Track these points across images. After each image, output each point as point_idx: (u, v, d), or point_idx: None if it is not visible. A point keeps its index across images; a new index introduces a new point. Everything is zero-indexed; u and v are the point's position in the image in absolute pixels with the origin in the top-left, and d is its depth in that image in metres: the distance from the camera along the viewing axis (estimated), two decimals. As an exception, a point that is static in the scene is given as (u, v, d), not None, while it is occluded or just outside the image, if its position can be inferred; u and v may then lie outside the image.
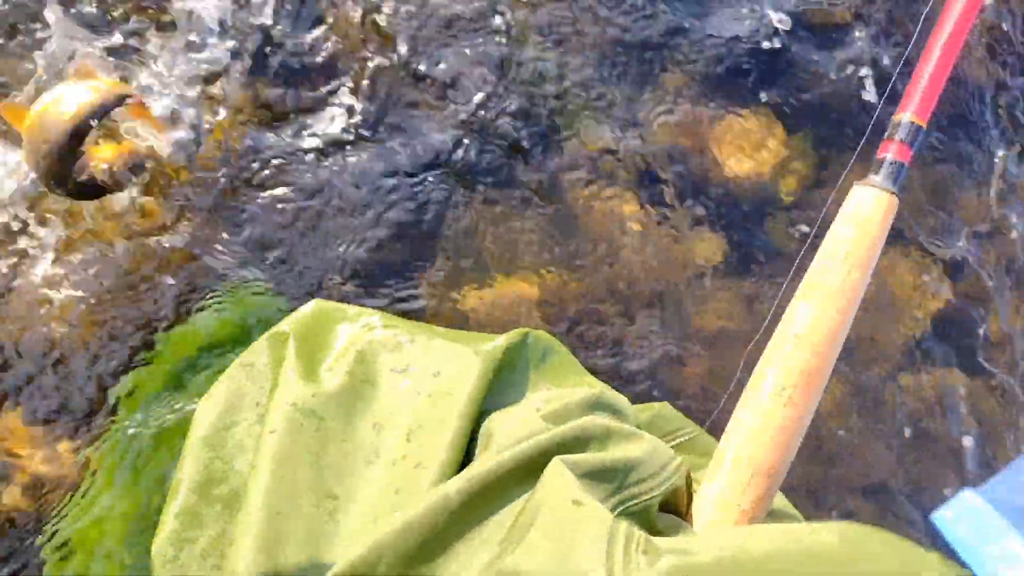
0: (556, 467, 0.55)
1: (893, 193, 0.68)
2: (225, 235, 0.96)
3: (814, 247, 0.68)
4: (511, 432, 0.68)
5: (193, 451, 0.77)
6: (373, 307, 0.86)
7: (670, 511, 0.63)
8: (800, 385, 0.63)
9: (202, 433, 0.78)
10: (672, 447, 0.69)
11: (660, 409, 0.89)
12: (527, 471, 0.57)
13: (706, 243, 1.08)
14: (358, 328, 0.82)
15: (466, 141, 1.04)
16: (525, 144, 1.05)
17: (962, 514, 0.42)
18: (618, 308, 1.04)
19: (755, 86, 1.13)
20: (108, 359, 0.89)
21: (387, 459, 0.74)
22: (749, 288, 1.08)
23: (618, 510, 0.57)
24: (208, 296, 0.94)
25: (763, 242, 1.10)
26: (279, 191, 0.99)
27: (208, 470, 0.76)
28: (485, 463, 0.56)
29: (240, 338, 0.90)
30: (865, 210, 0.67)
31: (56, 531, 0.83)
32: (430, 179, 1.02)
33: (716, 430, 0.69)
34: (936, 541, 0.43)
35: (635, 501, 0.58)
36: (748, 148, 1.12)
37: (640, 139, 1.08)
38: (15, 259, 0.90)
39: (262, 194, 0.98)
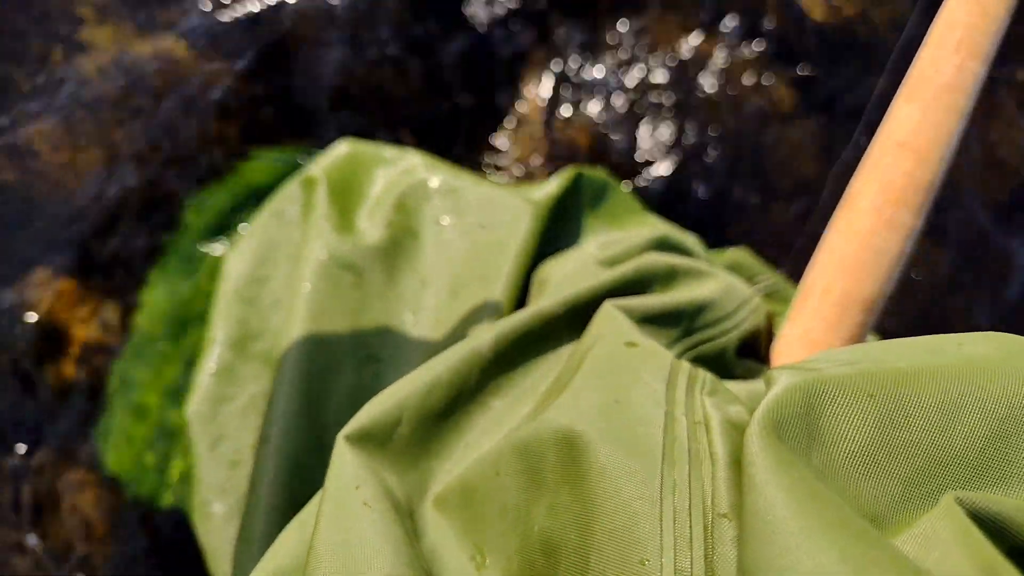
0: (606, 310, 0.46)
1: (1020, -36, 0.54)
2: (263, 88, 0.87)
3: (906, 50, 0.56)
4: (565, 279, 0.59)
5: (226, 306, 0.71)
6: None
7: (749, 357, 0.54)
8: (903, 202, 0.51)
9: (234, 287, 0.71)
10: None
11: (735, 255, 0.78)
12: (574, 320, 0.48)
13: (782, 82, 0.95)
14: (396, 172, 0.73)
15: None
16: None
17: None
18: (685, 153, 0.92)
19: None
20: (153, 214, 0.83)
21: (432, 317, 0.66)
22: (829, 131, 0.94)
23: (686, 356, 0.48)
24: (249, 150, 0.86)
25: (846, 84, 0.96)
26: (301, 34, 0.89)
27: (243, 326, 0.70)
28: (523, 313, 0.47)
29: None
30: (984, -14, 0.54)
31: (106, 399, 0.78)
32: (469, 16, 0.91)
33: (795, 277, 0.60)
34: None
35: (707, 344, 0.49)
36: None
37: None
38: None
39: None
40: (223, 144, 0.86)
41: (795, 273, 0.60)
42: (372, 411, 0.40)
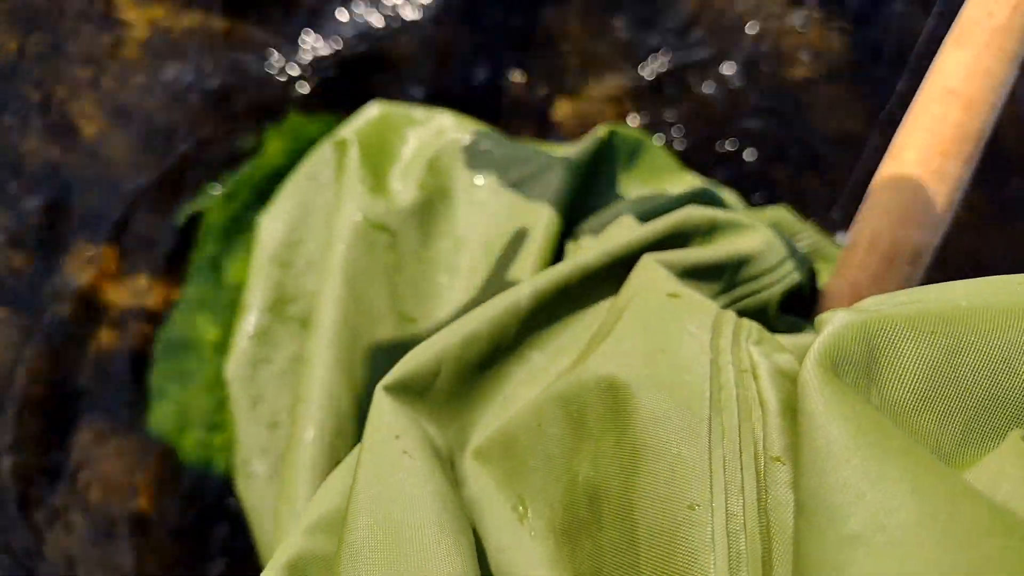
0: (646, 263, 0.45)
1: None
2: (289, 49, 0.87)
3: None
4: (603, 236, 0.58)
5: (262, 269, 0.71)
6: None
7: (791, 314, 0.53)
8: (952, 152, 0.50)
9: (269, 251, 0.71)
10: None
11: (775, 213, 0.77)
12: (613, 274, 0.47)
13: (823, 32, 0.92)
14: (428, 132, 0.72)
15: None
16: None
17: None
18: (722, 109, 0.90)
19: None
20: (187, 186, 0.83)
21: (466, 277, 0.66)
22: (873, 82, 0.91)
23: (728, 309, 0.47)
24: (279, 118, 0.85)
25: (891, 34, 0.92)
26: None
27: (280, 288, 0.70)
28: (562, 266, 0.46)
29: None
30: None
31: (148, 366, 0.79)
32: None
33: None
34: None
35: (750, 299, 0.48)
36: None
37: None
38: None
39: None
40: (262, 115, 0.85)
41: (836, 230, 0.58)
42: (411, 362, 0.39)
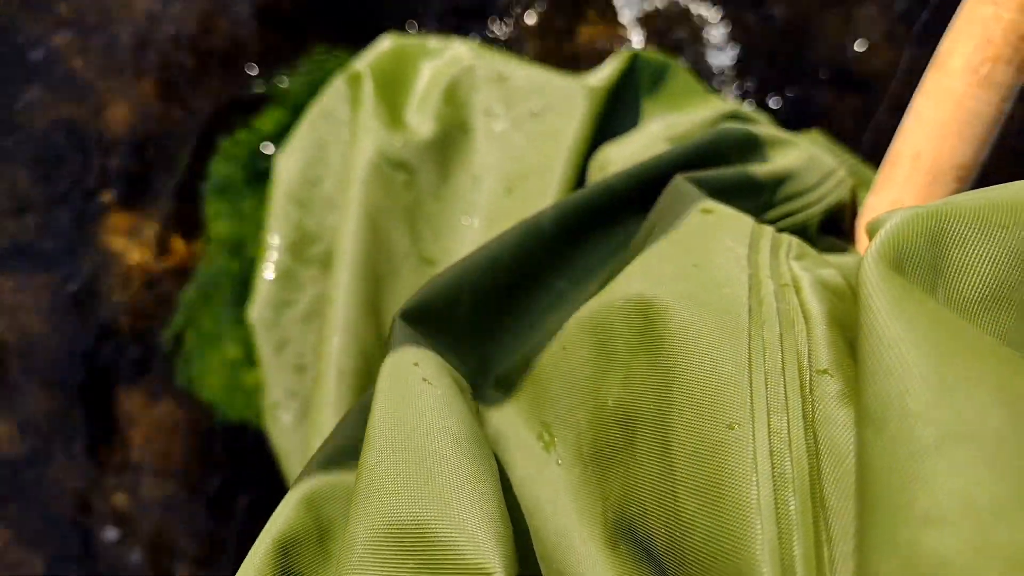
0: (676, 183, 0.42)
1: None
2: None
3: None
4: (629, 158, 0.55)
5: (280, 210, 0.69)
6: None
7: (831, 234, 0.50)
8: (1003, 56, 0.46)
9: (286, 190, 0.69)
10: None
11: (810, 137, 0.73)
12: (642, 195, 0.44)
13: None
14: (443, 63, 0.69)
15: None
16: None
17: None
18: (746, 37, 0.86)
19: None
20: (198, 139, 0.81)
21: (486, 215, 0.63)
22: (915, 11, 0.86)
23: None
24: (293, 64, 0.83)
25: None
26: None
27: (300, 229, 0.68)
28: (587, 188, 0.43)
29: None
30: None
31: (170, 323, 0.78)
32: None
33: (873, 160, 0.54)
34: None
35: (789, 219, 0.45)
36: None
37: None
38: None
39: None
40: (275, 55, 0.83)
41: (872, 156, 0.55)
42: (431, 290, 0.37)
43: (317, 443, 0.58)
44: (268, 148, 0.77)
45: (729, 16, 0.86)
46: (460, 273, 0.38)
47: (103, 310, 0.78)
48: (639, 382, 0.31)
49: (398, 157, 0.63)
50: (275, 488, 0.75)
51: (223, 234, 0.77)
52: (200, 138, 0.80)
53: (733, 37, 0.86)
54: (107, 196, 0.79)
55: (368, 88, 0.67)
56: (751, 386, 0.28)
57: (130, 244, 0.79)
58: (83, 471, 0.76)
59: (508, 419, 0.35)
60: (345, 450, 0.34)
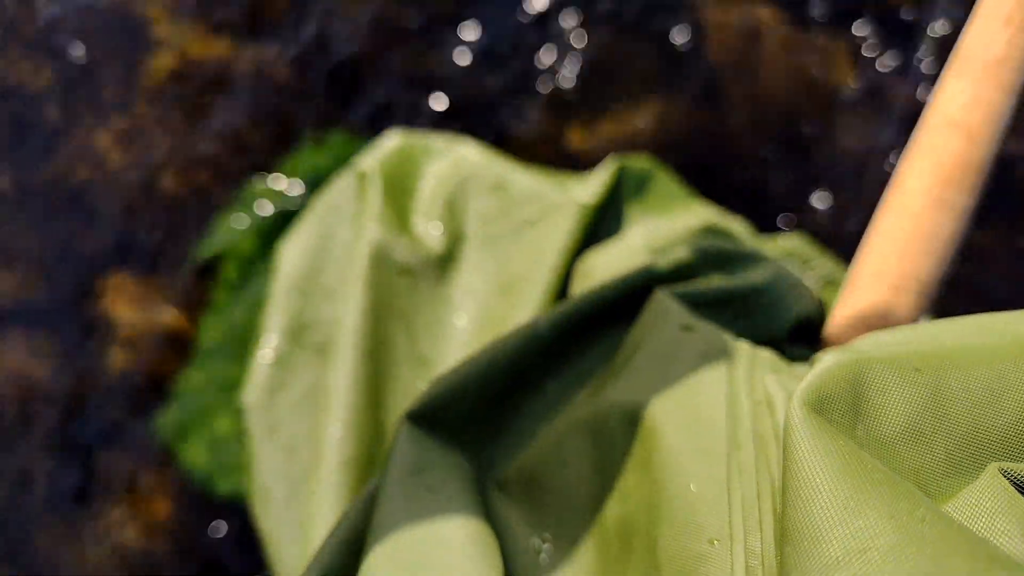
0: (658, 298, 0.45)
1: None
2: (301, 76, 0.87)
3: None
4: (612, 268, 0.58)
5: (281, 297, 0.71)
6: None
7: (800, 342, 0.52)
8: (955, 182, 0.49)
9: (290, 279, 0.71)
10: None
11: (789, 240, 0.76)
12: (627, 305, 0.47)
13: (844, 63, 0.91)
14: (447, 167, 0.72)
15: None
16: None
17: None
18: (742, 141, 0.89)
19: None
20: (205, 209, 0.83)
21: (478, 317, 0.66)
22: (895, 113, 0.90)
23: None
24: (298, 143, 0.85)
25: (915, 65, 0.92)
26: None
27: (300, 317, 0.70)
28: (578, 297, 0.46)
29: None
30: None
31: (165, 389, 0.79)
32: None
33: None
34: None
35: (760, 329, 0.48)
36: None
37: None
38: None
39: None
40: (279, 140, 0.85)
41: (851, 259, 0.57)
42: (437, 389, 0.39)
43: (315, 532, 0.59)
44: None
45: (712, 118, 0.90)
46: (464, 375, 0.40)
47: (99, 373, 0.79)
48: (633, 496, 0.33)
49: (404, 264, 0.66)
50: (257, 566, 0.76)
51: (228, 311, 0.79)
52: (205, 213, 0.83)
53: (719, 142, 0.89)
54: (110, 261, 0.81)
55: (375, 188, 0.69)
56: (730, 507, 0.31)
57: (129, 308, 0.80)
58: (64, 528, 0.77)
59: (507, 521, 0.37)
60: (347, 545, 0.35)
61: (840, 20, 0.91)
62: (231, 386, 0.76)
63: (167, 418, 0.78)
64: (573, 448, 0.37)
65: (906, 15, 0.92)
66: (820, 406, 0.30)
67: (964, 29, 0.52)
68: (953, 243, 0.50)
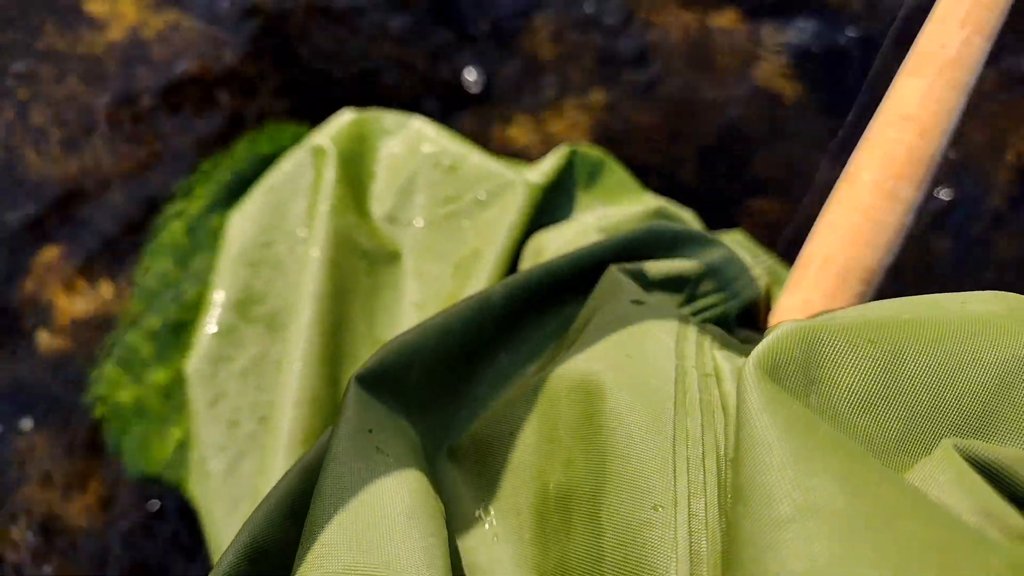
0: (611, 273, 0.44)
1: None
2: (250, 60, 0.84)
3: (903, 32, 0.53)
4: (564, 246, 0.57)
5: (229, 267, 0.68)
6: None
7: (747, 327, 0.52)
8: (905, 175, 0.49)
9: (239, 249, 0.69)
10: None
11: (731, 237, 0.76)
12: (580, 280, 0.46)
13: (787, 73, 0.92)
14: (400, 146, 0.70)
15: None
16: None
17: None
18: (686, 146, 0.89)
19: None
20: (144, 190, 0.80)
21: (433, 297, 0.64)
22: (824, 117, 0.91)
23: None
24: (243, 125, 0.83)
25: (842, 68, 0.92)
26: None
27: (247, 288, 0.68)
28: (533, 269, 0.45)
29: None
30: (990, -37, 0.51)
31: (98, 370, 0.76)
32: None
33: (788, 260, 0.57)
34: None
35: (709, 311, 0.47)
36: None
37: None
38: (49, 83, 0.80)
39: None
40: (227, 117, 0.83)
41: (787, 256, 0.57)
42: (385, 355, 0.38)
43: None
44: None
45: (656, 119, 0.89)
46: (414, 341, 0.39)
47: (26, 347, 0.76)
48: (578, 465, 0.32)
49: (360, 247, 0.65)
50: (185, 545, 0.73)
51: (153, 286, 0.76)
52: (144, 193, 0.80)
53: (665, 138, 0.89)
54: (44, 240, 0.77)
55: (331, 164, 0.68)
56: (675, 472, 0.30)
57: (59, 285, 0.77)
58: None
59: (454, 489, 0.36)
60: (292, 504, 0.33)
61: (787, 28, 0.92)
62: (161, 360, 0.73)
63: (98, 393, 0.74)
64: (521, 417, 0.36)
65: (851, 28, 0.93)
66: (774, 371, 0.30)
67: (921, 29, 0.52)
68: (900, 234, 0.50)
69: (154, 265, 0.77)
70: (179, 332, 0.73)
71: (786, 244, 0.70)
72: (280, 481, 0.35)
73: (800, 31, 0.92)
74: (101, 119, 0.80)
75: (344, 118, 0.72)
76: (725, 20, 0.91)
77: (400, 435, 0.35)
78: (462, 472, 0.36)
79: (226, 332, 0.68)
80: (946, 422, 0.29)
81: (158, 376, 0.72)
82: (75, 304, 0.76)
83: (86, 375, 0.75)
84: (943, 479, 0.27)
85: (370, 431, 0.33)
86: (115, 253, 0.78)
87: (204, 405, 0.68)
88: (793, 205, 0.86)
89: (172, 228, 0.78)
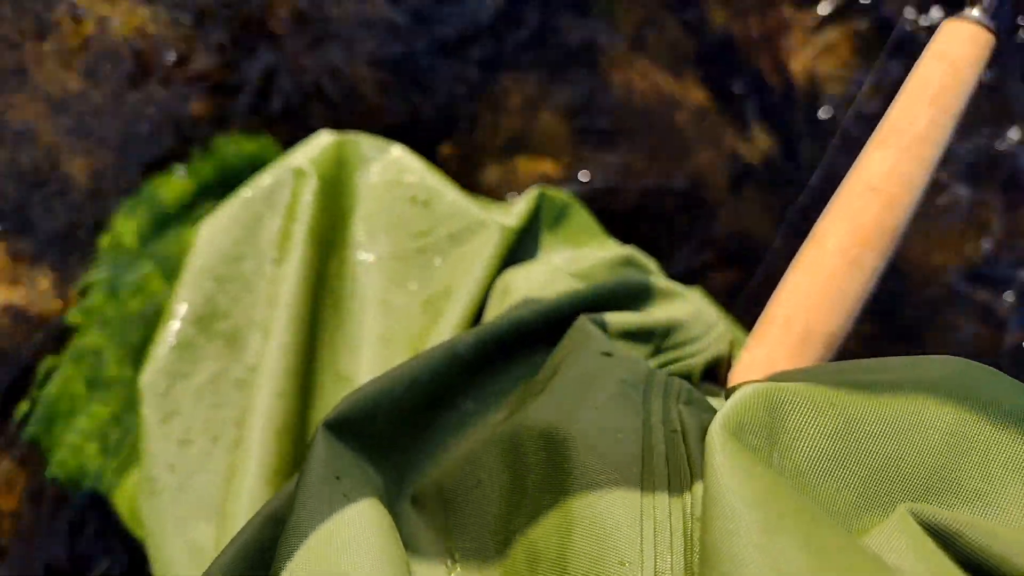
0: (581, 323, 0.44)
1: (991, 31, 0.54)
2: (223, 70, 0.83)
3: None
4: (534, 289, 0.57)
5: (194, 279, 0.66)
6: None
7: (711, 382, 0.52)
8: (870, 244, 0.50)
9: (206, 261, 0.67)
10: None
11: (692, 293, 0.77)
12: (550, 330, 0.46)
13: (750, 140, 0.93)
14: (380, 174, 0.70)
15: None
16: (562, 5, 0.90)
17: None
18: (651, 202, 0.90)
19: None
20: (100, 188, 0.78)
21: (401, 333, 0.64)
22: (780, 192, 0.92)
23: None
24: (218, 134, 0.82)
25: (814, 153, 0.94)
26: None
27: (211, 303, 0.66)
28: (502, 319, 0.45)
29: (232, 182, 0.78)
30: (957, 48, 0.53)
31: (43, 369, 0.73)
32: (449, 32, 0.88)
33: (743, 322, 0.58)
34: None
35: (675, 364, 0.47)
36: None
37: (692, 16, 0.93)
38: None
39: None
40: (191, 124, 0.82)
41: (743, 317, 0.58)
42: (353, 401, 0.37)
43: (226, 537, 0.55)
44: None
45: (618, 177, 0.90)
46: (381, 388, 0.38)
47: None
48: (545, 518, 0.31)
49: (331, 283, 0.64)
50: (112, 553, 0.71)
51: (101, 297, 0.74)
52: (101, 195, 0.78)
53: (625, 200, 0.90)
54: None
55: (309, 189, 0.66)
56: (642, 529, 0.30)
57: (6, 285, 0.74)
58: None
59: (416, 536, 0.35)
60: (252, 553, 0.33)
61: (751, 99, 0.94)
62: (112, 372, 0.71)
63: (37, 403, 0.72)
64: (487, 466, 0.36)
65: (814, 105, 0.95)
66: (739, 432, 0.30)
67: (892, 104, 0.54)
68: (861, 301, 0.51)
69: (100, 267, 0.75)
70: (116, 336, 0.71)
71: (744, 305, 0.71)
72: (244, 528, 0.34)
73: (760, 108, 0.94)
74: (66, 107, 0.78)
75: (323, 140, 0.70)
76: (690, 88, 0.93)
77: (367, 482, 0.34)
78: (426, 519, 0.36)
79: (184, 346, 0.66)
80: (900, 485, 0.30)
81: (86, 382, 0.71)
82: (8, 294, 0.74)
83: (14, 373, 0.73)
84: (899, 545, 0.28)
85: (338, 478, 0.33)
86: (62, 249, 0.76)
87: (156, 421, 0.66)
88: (748, 270, 0.86)
89: (123, 231, 0.76)
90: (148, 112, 0.80)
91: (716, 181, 0.91)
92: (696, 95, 0.93)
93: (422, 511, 0.36)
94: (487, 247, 0.62)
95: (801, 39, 0.96)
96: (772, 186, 0.92)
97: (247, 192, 0.69)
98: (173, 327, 0.66)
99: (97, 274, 0.74)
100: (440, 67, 0.88)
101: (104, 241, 0.76)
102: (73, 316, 0.73)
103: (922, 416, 0.30)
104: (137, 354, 0.71)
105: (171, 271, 0.73)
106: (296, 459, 0.59)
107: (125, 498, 0.70)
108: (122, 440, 0.71)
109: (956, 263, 0.93)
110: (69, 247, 0.75)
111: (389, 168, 0.70)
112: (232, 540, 0.33)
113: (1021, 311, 0.92)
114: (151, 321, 0.72)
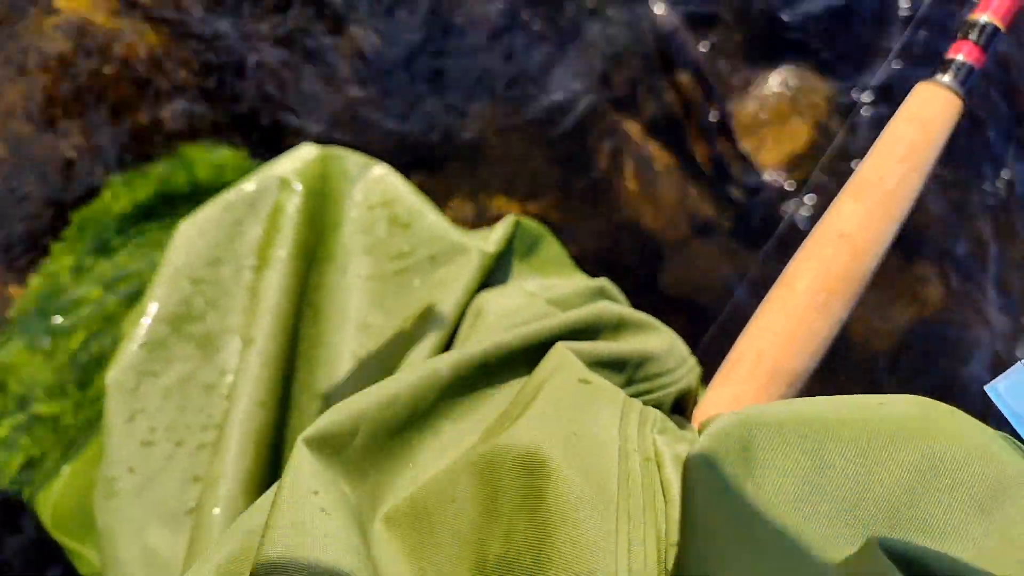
0: (559, 350, 0.45)
1: (960, 97, 0.56)
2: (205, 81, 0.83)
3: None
4: (509, 313, 0.57)
5: (169, 279, 0.65)
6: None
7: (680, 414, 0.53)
8: (838, 290, 0.52)
9: (184, 261, 0.66)
10: None
11: (664, 327, 0.79)
12: (529, 357, 0.47)
13: (711, 200, 0.95)
14: (363, 192, 0.70)
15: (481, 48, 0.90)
16: (540, 61, 0.92)
17: (1016, 385, 0.35)
18: (616, 254, 0.91)
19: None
20: (55, 187, 0.77)
21: (378, 351, 0.64)
22: (748, 255, 0.95)
23: None
24: (171, 143, 0.81)
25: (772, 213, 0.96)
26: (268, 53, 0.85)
27: (186, 304, 0.65)
28: (484, 342, 0.45)
29: (195, 196, 0.78)
30: (929, 110, 0.56)
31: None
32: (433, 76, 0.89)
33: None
34: (988, 413, 0.36)
35: (647, 396, 0.48)
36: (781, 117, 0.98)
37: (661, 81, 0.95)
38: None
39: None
40: (155, 131, 0.81)
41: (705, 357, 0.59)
42: (332, 418, 0.37)
43: (200, 546, 0.54)
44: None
45: (591, 227, 0.92)
46: (362, 406, 0.38)
47: None
48: (520, 537, 0.32)
49: (311, 296, 0.64)
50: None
51: (46, 298, 0.73)
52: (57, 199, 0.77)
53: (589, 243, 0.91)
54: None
55: (293, 202, 0.66)
56: (616, 551, 0.31)
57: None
58: None
59: (389, 556, 0.35)
60: (237, 559, 0.32)
61: (718, 163, 0.96)
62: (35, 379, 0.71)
63: None
64: (463, 487, 0.36)
65: (771, 173, 0.98)
66: (716, 461, 0.31)
67: (864, 158, 0.56)
68: (827, 343, 0.52)
69: (56, 266, 0.75)
70: (57, 339, 0.71)
71: (705, 348, 0.72)
72: (219, 543, 0.34)
73: (726, 185, 0.96)
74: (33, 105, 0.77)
75: (308, 153, 0.70)
76: (656, 147, 0.95)
77: (342, 500, 0.34)
78: (399, 539, 0.36)
79: (155, 345, 0.65)
80: (867, 518, 0.30)
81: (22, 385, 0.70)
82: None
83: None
84: (869, 574, 0.28)
85: (315, 493, 0.33)
86: (21, 244, 0.75)
87: (121, 420, 0.64)
88: (706, 319, 0.88)
89: (82, 234, 0.76)
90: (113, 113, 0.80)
91: (685, 239, 0.93)
92: (663, 158, 0.95)
93: (396, 531, 0.36)
94: (466, 271, 0.63)
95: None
96: (736, 250, 0.94)
97: (229, 196, 0.68)
98: (144, 325, 0.65)
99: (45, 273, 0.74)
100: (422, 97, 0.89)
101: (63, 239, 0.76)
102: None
103: (887, 453, 0.31)
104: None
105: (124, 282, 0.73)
106: (273, 469, 0.58)
107: (49, 503, 0.69)
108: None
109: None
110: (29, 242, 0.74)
111: (372, 187, 0.70)
112: (207, 554, 0.33)
113: (976, 353, 0.96)
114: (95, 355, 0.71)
